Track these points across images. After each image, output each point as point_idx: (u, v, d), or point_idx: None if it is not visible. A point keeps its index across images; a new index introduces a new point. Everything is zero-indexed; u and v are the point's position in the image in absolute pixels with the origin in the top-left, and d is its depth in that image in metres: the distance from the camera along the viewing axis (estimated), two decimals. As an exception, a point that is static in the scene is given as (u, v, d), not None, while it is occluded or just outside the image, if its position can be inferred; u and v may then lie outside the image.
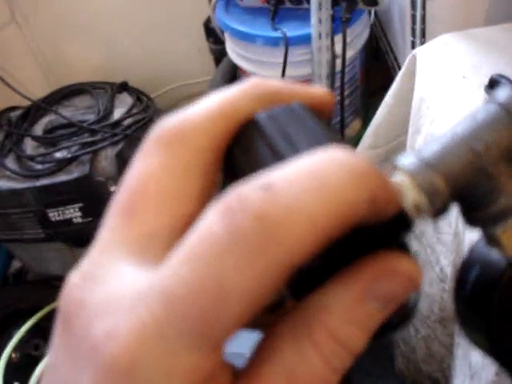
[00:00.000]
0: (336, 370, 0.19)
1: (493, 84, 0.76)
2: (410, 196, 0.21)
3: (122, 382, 0.18)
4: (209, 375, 0.18)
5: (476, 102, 0.89)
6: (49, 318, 1.52)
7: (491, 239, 0.23)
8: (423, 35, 1.17)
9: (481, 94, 0.87)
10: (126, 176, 0.22)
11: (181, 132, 0.22)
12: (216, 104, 0.23)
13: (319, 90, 0.25)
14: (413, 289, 0.20)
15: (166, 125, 0.23)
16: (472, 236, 0.72)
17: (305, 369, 0.19)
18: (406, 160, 0.21)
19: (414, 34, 1.19)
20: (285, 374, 0.19)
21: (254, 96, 0.24)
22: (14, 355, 1.41)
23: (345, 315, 0.19)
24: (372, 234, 0.20)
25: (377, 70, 1.67)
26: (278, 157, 0.21)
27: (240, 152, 0.23)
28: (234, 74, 1.72)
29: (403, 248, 0.21)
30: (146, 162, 0.22)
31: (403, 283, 0.20)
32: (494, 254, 0.24)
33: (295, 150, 0.21)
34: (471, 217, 0.23)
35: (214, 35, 1.71)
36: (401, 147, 1.12)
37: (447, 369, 0.98)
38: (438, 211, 0.21)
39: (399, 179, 0.21)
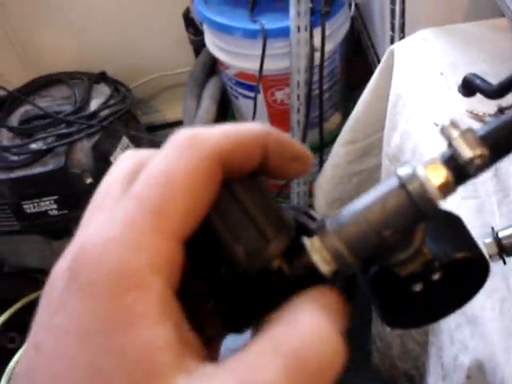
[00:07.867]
0: None
1: (466, 84, 0.75)
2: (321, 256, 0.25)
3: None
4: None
5: (452, 100, 0.88)
6: (24, 311, 1.51)
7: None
8: (402, 30, 1.16)
9: (457, 92, 0.86)
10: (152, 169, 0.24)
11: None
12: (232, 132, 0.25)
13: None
14: None
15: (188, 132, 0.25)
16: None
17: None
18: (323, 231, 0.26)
19: (393, 29, 1.17)
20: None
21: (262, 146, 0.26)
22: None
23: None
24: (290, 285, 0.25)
25: (358, 63, 1.66)
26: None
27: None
28: (213, 66, 1.70)
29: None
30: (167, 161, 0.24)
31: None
32: None
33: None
34: None
35: (193, 26, 1.69)
36: (380, 142, 1.11)
37: (422, 366, 0.98)
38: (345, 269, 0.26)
39: (315, 243, 0.26)
